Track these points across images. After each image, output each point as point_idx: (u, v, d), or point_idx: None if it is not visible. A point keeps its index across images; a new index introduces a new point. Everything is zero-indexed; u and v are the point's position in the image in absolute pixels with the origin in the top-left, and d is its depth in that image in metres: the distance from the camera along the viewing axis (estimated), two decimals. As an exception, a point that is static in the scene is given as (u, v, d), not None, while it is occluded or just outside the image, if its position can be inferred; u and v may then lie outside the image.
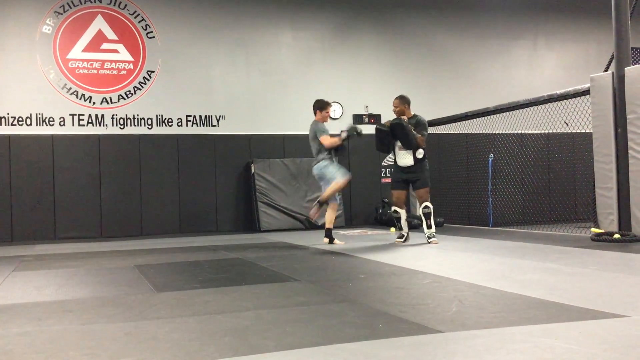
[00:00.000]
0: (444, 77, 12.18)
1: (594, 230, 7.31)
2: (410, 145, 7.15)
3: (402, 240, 7.42)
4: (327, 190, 7.67)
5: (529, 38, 12.85)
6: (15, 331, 3.25)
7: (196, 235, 9.96)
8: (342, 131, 7.74)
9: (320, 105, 7.88)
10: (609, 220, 7.31)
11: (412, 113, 7.46)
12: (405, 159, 7.26)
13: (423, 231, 7.33)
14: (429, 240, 7.23)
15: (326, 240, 7.71)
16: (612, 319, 3.09)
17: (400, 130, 7.14)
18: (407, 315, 3.33)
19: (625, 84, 7.15)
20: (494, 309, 3.46)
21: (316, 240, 8.22)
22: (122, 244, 8.72)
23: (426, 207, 7.22)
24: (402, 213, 7.40)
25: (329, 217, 7.80)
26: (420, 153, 7.21)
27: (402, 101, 7.44)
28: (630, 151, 7.09)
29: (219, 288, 4.50)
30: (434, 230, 7.30)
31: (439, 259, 5.92)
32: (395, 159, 7.45)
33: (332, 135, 7.77)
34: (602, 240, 6.90)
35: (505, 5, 12.67)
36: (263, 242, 8.48)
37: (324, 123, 7.86)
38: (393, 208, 7.51)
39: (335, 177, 7.66)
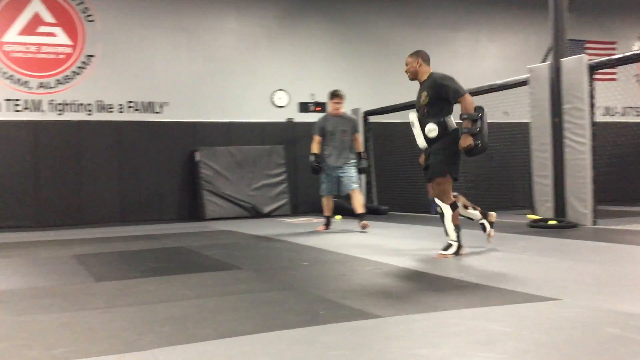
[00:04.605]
0: (388, 66, 12.26)
1: (531, 216, 7.54)
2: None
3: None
4: (358, 202, 7.55)
5: (472, 29, 13.08)
6: (-57, 324, 3.13)
7: (139, 224, 9.77)
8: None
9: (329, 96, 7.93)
10: (545, 207, 7.55)
11: (430, 71, 5.37)
12: (419, 138, 5.25)
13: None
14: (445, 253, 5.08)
15: (365, 223, 7.46)
16: (545, 302, 3.20)
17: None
18: (348, 301, 3.36)
19: (562, 74, 7.37)
20: (432, 293, 3.54)
21: (261, 229, 8.20)
22: (61, 234, 8.49)
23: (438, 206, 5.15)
24: (445, 208, 5.08)
25: (360, 201, 7.61)
26: (431, 130, 5.10)
27: (415, 56, 5.37)
28: (565, 140, 7.32)
29: (161, 277, 4.44)
30: (454, 238, 5.04)
31: (382, 246, 5.99)
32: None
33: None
34: (539, 226, 7.14)
35: (449, -5, 12.86)
36: (207, 230, 8.40)
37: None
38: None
39: (357, 181, 7.72)
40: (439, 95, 5.10)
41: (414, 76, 5.37)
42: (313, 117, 11.51)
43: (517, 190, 10.46)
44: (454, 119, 5.15)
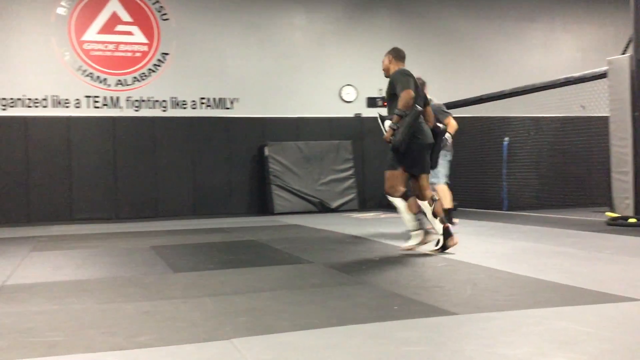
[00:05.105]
0: (460, 60, 12.08)
1: (610, 214, 7.27)
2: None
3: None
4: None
5: (545, 21, 12.69)
6: (34, 310, 3.31)
7: (210, 218, 10.01)
8: None
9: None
10: (624, 204, 7.25)
11: (397, 68, 5.45)
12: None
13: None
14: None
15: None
16: (626, 303, 3.09)
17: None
18: (421, 297, 3.35)
19: (644, 67, 7.05)
20: (508, 292, 3.47)
21: (329, 224, 8.25)
22: (137, 226, 8.80)
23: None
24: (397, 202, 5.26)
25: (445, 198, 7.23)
26: (390, 126, 5.18)
27: (387, 54, 5.57)
28: (647, 135, 7.02)
29: (234, 269, 4.55)
30: (412, 227, 5.24)
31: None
32: None
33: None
34: (618, 224, 6.87)
35: (522, -14, 12.51)
36: (277, 224, 8.51)
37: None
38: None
39: (438, 174, 7.07)
40: (392, 91, 5.26)
41: (386, 73, 5.50)
42: (380, 112, 11.48)
43: (594, 187, 10.09)
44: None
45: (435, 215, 5.14)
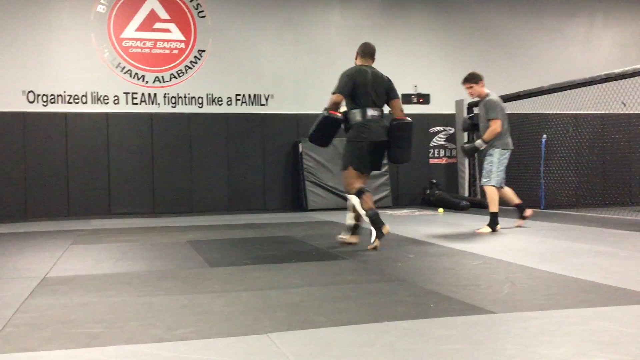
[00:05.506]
0: (496, 55, 11.92)
1: (651, 214, 7.11)
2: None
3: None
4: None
5: (585, 15, 12.44)
6: (76, 301, 3.38)
7: (244, 213, 10.09)
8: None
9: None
10: (666, 204, 7.08)
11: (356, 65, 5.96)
12: None
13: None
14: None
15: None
16: (670, 304, 3.02)
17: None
18: (458, 295, 3.32)
19: (689, 62, 6.87)
20: (547, 292, 3.42)
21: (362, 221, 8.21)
22: (174, 220, 8.92)
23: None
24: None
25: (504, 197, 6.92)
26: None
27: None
28: (691, 133, 6.83)
29: (269, 264, 4.58)
30: (367, 221, 5.34)
31: (489, 241, 5.86)
32: None
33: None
34: (660, 224, 6.71)
35: (561, -19, 12.28)
36: (311, 220, 8.54)
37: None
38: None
39: (490, 174, 6.66)
40: None
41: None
42: (416, 109, 11.42)
43: (634, 186, 9.86)
44: (361, 114, 5.41)
45: (360, 209, 5.24)
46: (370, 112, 5.40)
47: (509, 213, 7.50)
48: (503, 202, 6.82)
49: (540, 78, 10.93)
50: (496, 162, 6.65)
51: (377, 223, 5.19)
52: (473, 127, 7.25)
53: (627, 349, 2.28)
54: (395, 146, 5.46)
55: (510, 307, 3.02)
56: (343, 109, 5.53)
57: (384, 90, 5.53)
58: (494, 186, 6.64)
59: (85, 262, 4.91)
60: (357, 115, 5.42)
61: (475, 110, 7.06)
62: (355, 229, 5.59)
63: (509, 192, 6.91)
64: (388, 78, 5.66)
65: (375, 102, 5.45)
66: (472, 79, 6.82)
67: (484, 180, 6.76)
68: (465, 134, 10.68)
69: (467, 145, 7.11)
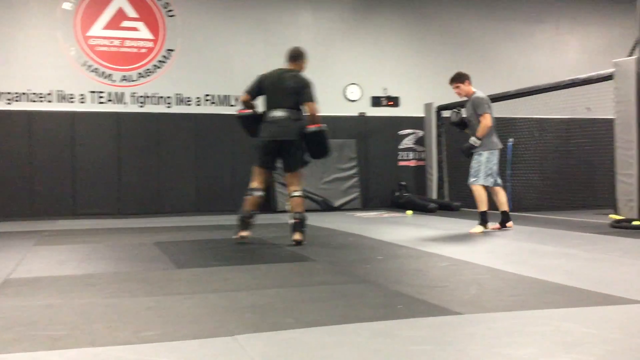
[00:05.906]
0: (465, 60, 12.03)
1: (613, 216, 7.25)
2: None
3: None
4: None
5: (552, 22, 12.66)
6: (39, 303, 3.31)
7: (213, 214, 10.01)
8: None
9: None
10: (628, 206, 7.24)
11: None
12: None
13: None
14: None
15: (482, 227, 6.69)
16: (631, 305, 3.08)
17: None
18: (425, 296, 3.34)
19: (650, 69, 7.03)
20: (513, 293, 3.46)
21: (332, 222, 8.24)
22: (141, 221, 8.80)
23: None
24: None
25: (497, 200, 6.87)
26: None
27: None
28: (652, 138, 7.00)
29: (238, 266, 4.55)
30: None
31: (457, 243, 5.92)
32: None
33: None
34: (622, 227, 6.85)
35: (529, -13, 12.48)
36: (280, 222, 8.50)
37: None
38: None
39: (477, 173, 6.72)
40: None
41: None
42: (386, 111, 11.49)
43: (598, 189, 10.07)
44: (266, 114, 5.91)
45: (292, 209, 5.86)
46: (273, 113, 5.78)
47: (473, 216, 7.57)
48: (493, 205, 6.87)
49: (507, 82, 11.09)
50: (484, 162, 6.71)
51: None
52: (462, 121, 7.14)
53: (591, 350, 2.32)
54: (309, 145, 5.94)
55: (476, 308, 3.05)
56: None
57: (291, 92, 5.81)
58: (481, 185, 6.70)
59: (49, 264, 4.81)
60: (264, 115, 5.90)
61: (463, 112, 7.12)
62: (244, 224, 5.98)
63: (502, 197, 6.90)
64: (302, 81, 5.92)
65: (282, 104, 5.78)
66: (458, 79, 6.91)
67: (471, 179, 6.78)
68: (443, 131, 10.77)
69: (464, 145, 7.08)
